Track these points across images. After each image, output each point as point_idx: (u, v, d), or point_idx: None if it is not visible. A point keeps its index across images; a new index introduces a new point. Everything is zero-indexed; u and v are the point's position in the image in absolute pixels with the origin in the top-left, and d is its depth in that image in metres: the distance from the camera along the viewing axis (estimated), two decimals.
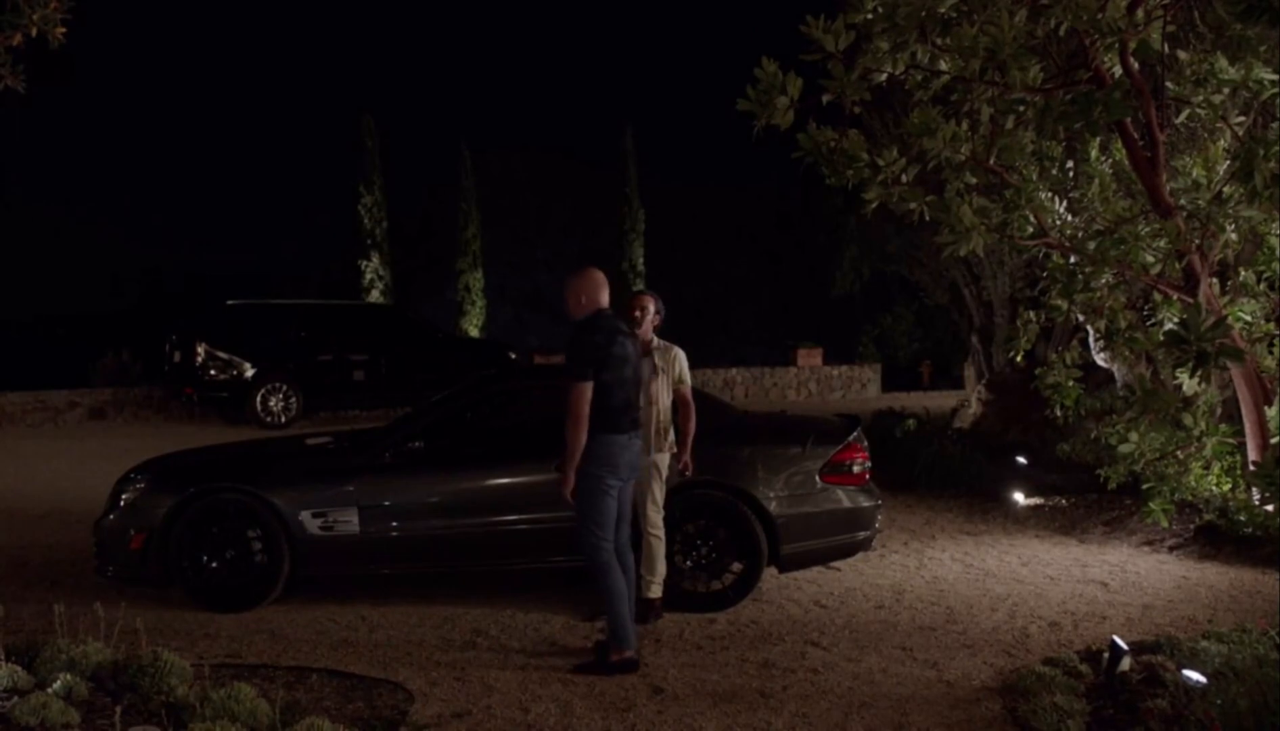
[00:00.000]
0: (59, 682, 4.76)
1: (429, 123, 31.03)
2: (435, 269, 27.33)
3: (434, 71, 33.51)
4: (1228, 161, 4.25)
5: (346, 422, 16.26)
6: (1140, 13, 4.09)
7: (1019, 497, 9.77)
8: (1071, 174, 5.46)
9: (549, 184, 31.39)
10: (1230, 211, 4.08)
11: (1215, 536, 7.82)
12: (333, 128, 27.56)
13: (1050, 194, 5.30)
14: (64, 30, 3.63)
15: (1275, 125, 3.95)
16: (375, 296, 24.02)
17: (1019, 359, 7.91)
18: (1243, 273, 5.56)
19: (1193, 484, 7.85)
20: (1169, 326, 4.78)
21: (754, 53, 5.21)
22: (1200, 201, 4.21)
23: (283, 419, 16.76)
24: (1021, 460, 10.54)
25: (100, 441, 15.66)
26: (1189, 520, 8.21)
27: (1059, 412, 6.07)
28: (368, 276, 24.10)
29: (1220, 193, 4.15)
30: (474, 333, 24.94)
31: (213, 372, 16.98)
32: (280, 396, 16.90)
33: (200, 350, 16.92)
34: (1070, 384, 5.40)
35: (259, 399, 16.76)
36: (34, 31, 3.58)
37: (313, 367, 17.23)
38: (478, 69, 36.13)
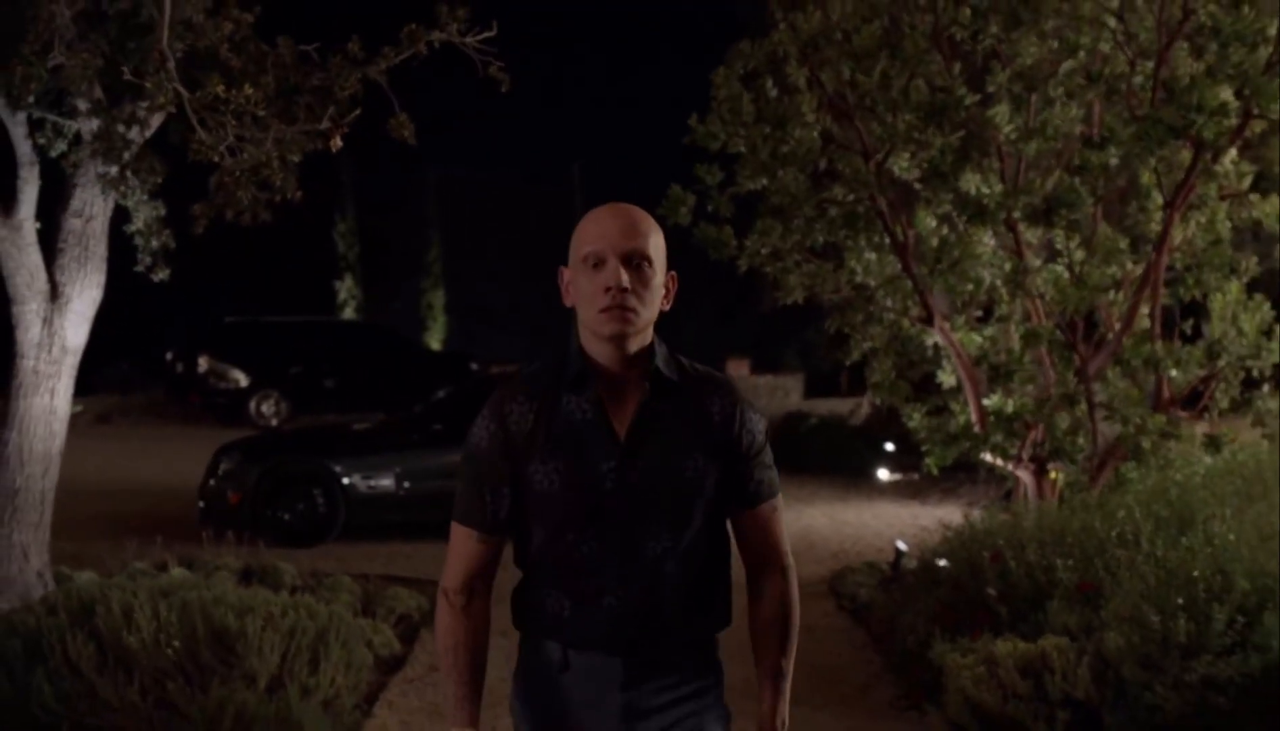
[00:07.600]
0: (216, 576, 7.30)
1: (395, 147, 33.31)
2: (399, 284, 29.68)
3: (403, 102, 35.82)
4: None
5: None
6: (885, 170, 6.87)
7: (883, 474, 12.63)
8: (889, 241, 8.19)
9: (502, 207, 33.75)
10: (943, 277, 6.84)
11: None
12: (309, 156, 29.66)
13: (873, 253, 8.03)
14: (301, 194, 6.07)
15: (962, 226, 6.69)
16: (349, 313, 26.46)
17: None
18: (1002, 307, 8.34)
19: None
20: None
21: (691, 97, 7.69)
22: (924, 269, 7.00)
23: (273, 422, 18.99)
24: (890, 447, 13.37)
25: (116, 442, 17.77)
26: (1003, 487, 11.07)
27: (879, 405, 8.73)
28: (342, 295, 26.55)
29: (932, 267, 6.92)
30: (435, 345, 27.47)
31: (213, 381, 19.31)
32: (271, 402, 19.19)
33: (203, 362, 19.23)
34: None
35: (253, 404, 19.10)
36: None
37: (299, 377, 19.56)
38: (443, 101, 38.52)
